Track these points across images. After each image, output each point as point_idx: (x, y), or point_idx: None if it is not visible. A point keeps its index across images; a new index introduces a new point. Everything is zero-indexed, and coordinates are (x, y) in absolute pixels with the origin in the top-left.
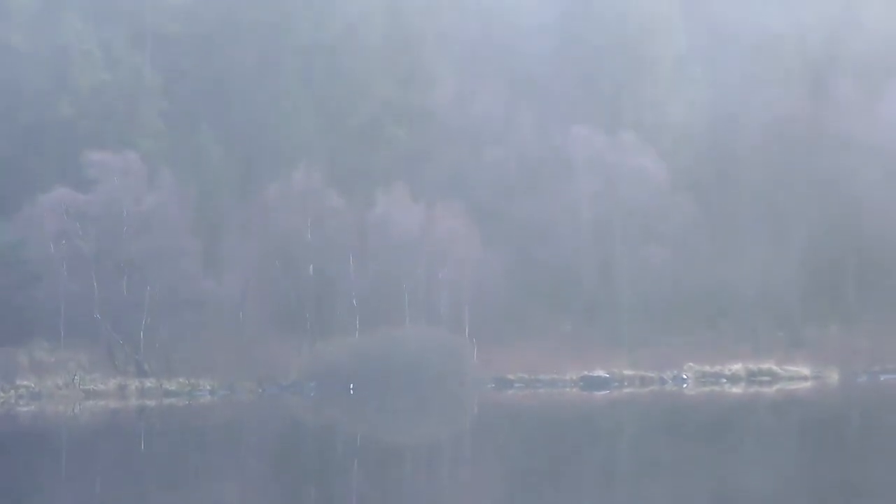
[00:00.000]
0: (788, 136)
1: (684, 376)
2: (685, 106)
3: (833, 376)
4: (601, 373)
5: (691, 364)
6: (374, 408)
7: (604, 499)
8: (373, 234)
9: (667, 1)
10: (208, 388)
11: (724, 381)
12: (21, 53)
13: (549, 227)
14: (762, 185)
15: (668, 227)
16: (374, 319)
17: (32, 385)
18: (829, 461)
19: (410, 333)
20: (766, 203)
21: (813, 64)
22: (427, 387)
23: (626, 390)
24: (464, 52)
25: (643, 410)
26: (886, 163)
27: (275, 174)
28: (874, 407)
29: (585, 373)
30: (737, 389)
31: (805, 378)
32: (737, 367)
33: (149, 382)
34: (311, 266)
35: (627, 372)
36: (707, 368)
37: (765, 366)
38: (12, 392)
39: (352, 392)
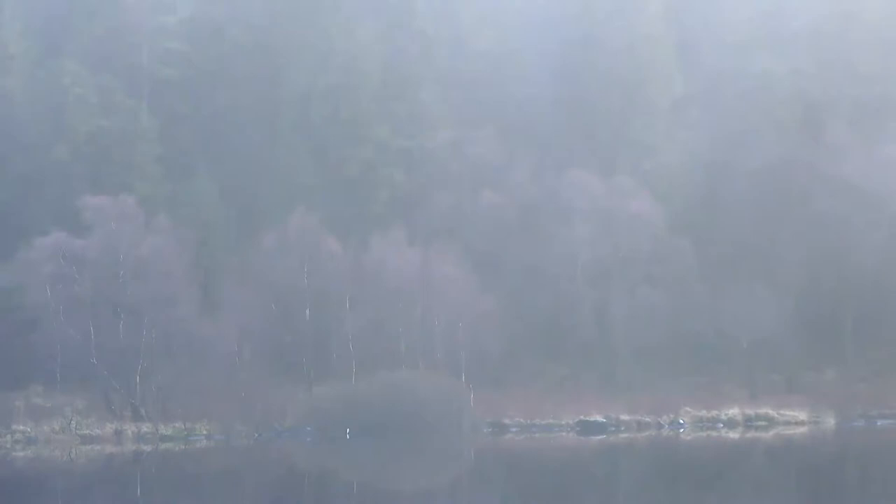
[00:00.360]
0: (784, 180)
1: (681, 421)
2: (681, 150)
3: (829, 421)
4: (598, 417)
5: (688, 409)
6: (371, 453)
7: None
8: (369, 279)
9: (663, 46)
10: (205, 432)
11: (721, 425)
12: (18, 98)
13: (545, 270)
14: (758, 230)
15: (664, 271)
16: (370, 364)
17: (28, 430)
18: None
19: (407, 378)
20: (761, 247)
21: (808, 108)
22: (424, 431)
23: (623, 435)
24: (460, 95)
25: (640, 455)
26: (882, 207)
27: (271, 219)
28: (871, 452)
29: (582, 417)
30: (734, 434)
31: (802, 423)
32: (734, 411)
33: (145, 427)
34: (308, 310)
35: (624, 416)
36: (704, 413)
37: (761, 410)
38: (8, 437)
39: (348, 437)
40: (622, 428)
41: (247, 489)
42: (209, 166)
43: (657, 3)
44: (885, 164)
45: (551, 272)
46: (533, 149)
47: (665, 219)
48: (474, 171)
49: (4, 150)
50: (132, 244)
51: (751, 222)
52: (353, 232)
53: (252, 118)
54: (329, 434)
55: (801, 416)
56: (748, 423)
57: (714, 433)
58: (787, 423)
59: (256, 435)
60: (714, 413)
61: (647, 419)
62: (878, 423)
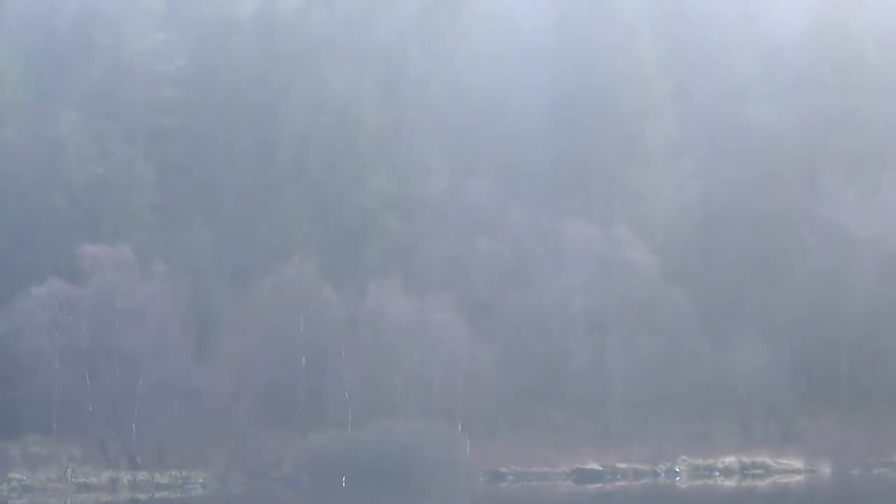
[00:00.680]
0: (779, 228)
1: (677, 469)
2: (677, 198)
3: (826, 469)
4: (594, 465)
5: (684, 457)
6: (367, 501)
7: None
8: (365, 326)
9: (659, 94)
10: (200, 480)
11: (718, 473)
12: (14, 146)
13: (541, 318)
14: (753, 278)
15: (659, 319)
16: (366, 412)
17: (24, 478)
18: None
19: (403, 426)
20: (757, 295)
21: (804, 156)
22: (420, 479)
23: (620, 483)
24: (456, 142)
25: None
26: (878, 256)
27: (267, 266)
28: (867, 501)
29: (578, 465)
30: (730, 482)
31: (798, 471)
32: (730, 459)
33: (141, 475)
34: (303, 358)
35: (620, 465)
36: (700, 461)
37: (758, 459)
38: (5, 485)
39: (344, 485)
40: (618, 476)
41: None
42: (205, 214)
43: (653, 50)
44: (881, 213)
45: (547, 320)
46: (529, 196)
47: (660, 267)
48: (470, 218)
49: (1, 197)
50: (128, 292)
51: (746, 270)
52: (349, 280)
53: (248, 166)
54: (325, 482)
55: (798, 464)
56: (744, 471)
57: (710, 481)
58: (784, 471)
59: (252, 483)
60: (710, 461)
61: (644, 467)
62: (875, 472)
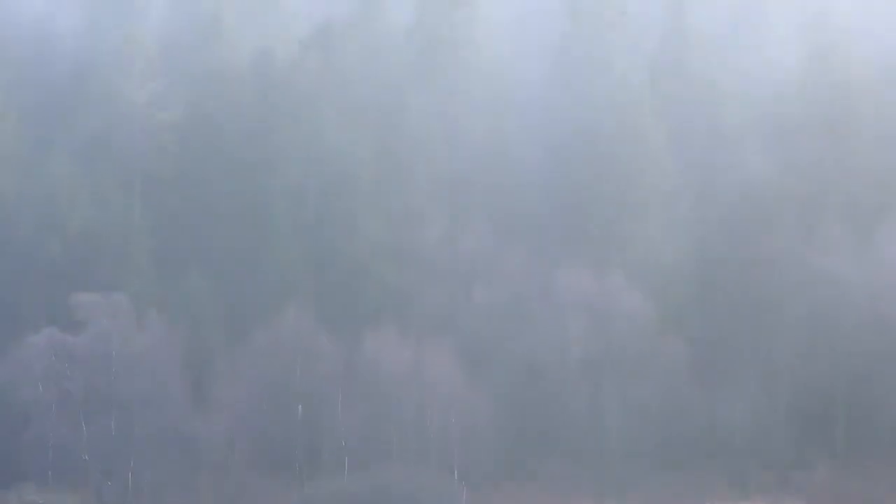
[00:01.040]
0: (775, 276)
1: None
2: (672, 246)
3: None
4: None
5: None
6: None
7: None
8: (361, 374)
9: (654, 143)
10: None
11: None
12: (11, 194)
13: (537, 366)
14: (749, 326)
15: (655, 367)
16: (363, 460)
17: None
18: None
19: (399, 475)
20: (753, 343)
21: (799, 204)
22: None
23: None
24: (453, 190)
25: None
26: (875, 303)
27: (263, 314)
28: None
29: None
30: None
31: None
32: None
33: None
34: (300, 407)
35: None
36: None
37: None
38: None
39: None
40: None
41: None
42: (201, 263)
43: (648, 100)
44: (879, 260)
45: (543, 368)
46: (525, 244)
47: (656, 315)
48: (466, 266)
49: None
50: (124, 341)
51: (742, 318)
52: (345, 328)
53: (244, 214)
54: None
55: None
56: None
57: None
58: None
59: None
60: None
61: None
62: None
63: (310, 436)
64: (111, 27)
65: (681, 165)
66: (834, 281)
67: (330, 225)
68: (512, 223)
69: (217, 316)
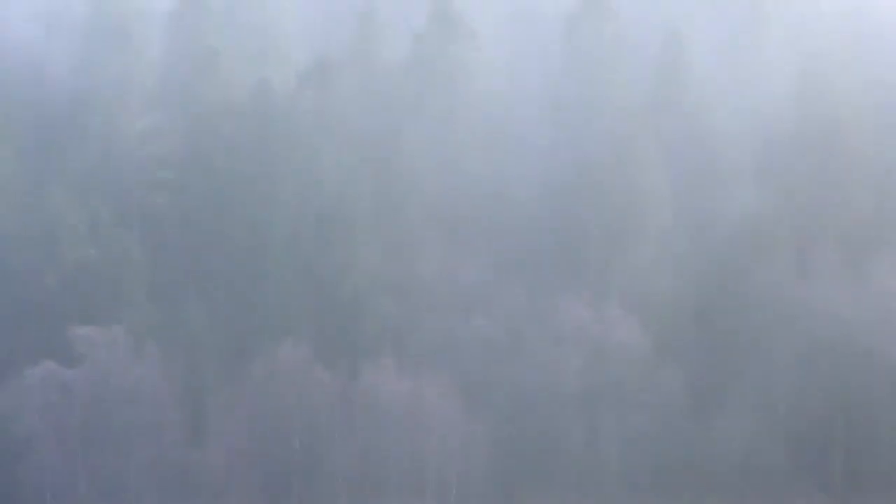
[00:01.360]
0: (771, 308)
1: None
2: (669, 278)
3: None
4: None
5: None
6: None
7: None
8: (358, 407)
9: (651, 176)
10: None
11: None
12: (7, 228)
13: (534, 398)
14: (746, 357)
15: (652, 398)
16: (360, 492)
17: None
18: None
19: None
20: (750, 375)
21: (795, 237)
22: None
23: None
24: (450, 223)
25: None
26: (868, 334)
27: (261, 347)
28: None
29: None
30: None
31: None
32: None
33: None
34: (298, 439)
35: None
36: None
37: None
38: None
39: None
40: None
41: None
42: (198, 296)
43: (646, 131)
44: (871, 292)
45: (541, 400)
46: (522, 276)
47: (652, 346)
48: (463, 298)
49: None
50: (122, 374)
51: (738, 350)
52: (343, 360)
53: (241, 247)
54: None
55: None
56: None
57: None
58: None
59: None
60: None
61: None
62: None
63: (306, 469)
64: (108, 61)
65: (676, 199)
66: (828, 313)
67: (327, 258)
68: (509, 256)
69: (214, 349)
